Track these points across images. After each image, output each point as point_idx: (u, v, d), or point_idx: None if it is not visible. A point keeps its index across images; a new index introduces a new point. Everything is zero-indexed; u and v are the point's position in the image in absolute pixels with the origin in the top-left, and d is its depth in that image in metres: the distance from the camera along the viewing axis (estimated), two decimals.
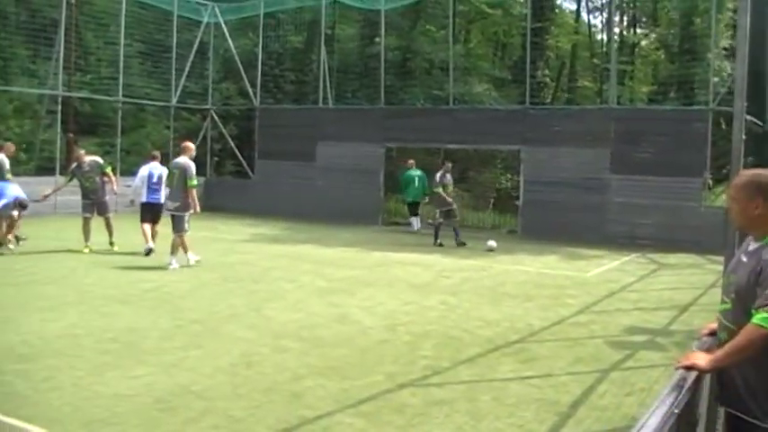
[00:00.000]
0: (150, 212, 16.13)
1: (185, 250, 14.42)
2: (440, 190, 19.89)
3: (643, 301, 12.59)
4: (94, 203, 16.32)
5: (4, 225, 15.50)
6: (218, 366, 7.65)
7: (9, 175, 15.95)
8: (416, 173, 23.19)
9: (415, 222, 23.36)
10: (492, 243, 18.85)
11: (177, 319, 9.76)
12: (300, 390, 6.99)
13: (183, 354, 8.07)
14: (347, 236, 20.77)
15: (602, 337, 9.70)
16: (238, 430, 5.96)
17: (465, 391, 7.16)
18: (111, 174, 16.67)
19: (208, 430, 5.92)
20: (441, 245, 19.32)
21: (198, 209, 14.61)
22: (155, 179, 16.17)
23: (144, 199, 16.24)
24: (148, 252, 15.65)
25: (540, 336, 9.68)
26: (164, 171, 15.90)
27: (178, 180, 14.35)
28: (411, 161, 23.57)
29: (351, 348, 8.59)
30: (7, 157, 16.18)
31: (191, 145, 15.15)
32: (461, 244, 19.46)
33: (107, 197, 16.51)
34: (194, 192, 14.40)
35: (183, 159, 14.56)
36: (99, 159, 16.55)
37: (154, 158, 16.72)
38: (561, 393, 7.20)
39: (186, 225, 14.35)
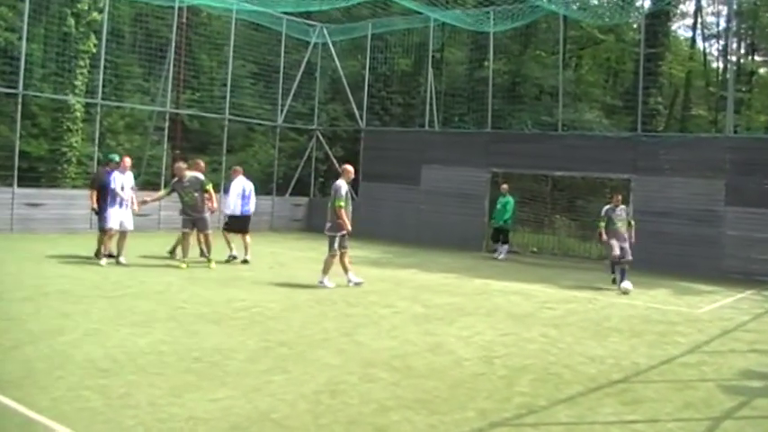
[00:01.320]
0: (238, 223, 17.72)
1: (345, 271, 14.89)
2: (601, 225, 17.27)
3: (759, 342, 11.77)
4: (193, 219, 16.37)
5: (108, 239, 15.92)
6: (302, 393, 7.30)
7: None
8: (504, 198, 22.85)
9: (502, 250, 22.92)
10: (627, 285, 16.61)
11: (265, 340, 9.48)
12: (385, 423, 6.58)
13: (267, 378, 7.76)
14: (448, 261, 20.38)
15: (715, 381, 8.99)
16: None
17: None
18: (211, 191, 16.65)
19: None
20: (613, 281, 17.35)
21: (348, 227, 14.75)
22: (247, 192, 17.87)
23: (236, 211, 17.74)
24: (231, 259, 17.01)
25: (646, 376, 9.04)
26: (249, 185, 18.07)
27: (331, 201, 14.72)
28: (504, 186, 23.23)
29: (443, 380, 8.14)
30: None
31: (350, 168, 15.41)
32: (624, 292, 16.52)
33: (206, 214, 16.50)
34: (342, 211, 14.52)
35: (340, 181, 14.86)
36: (200, 176, 16.56)
37: (237, 173, 18.26)
38: None
39: (336, 245, 14.63)
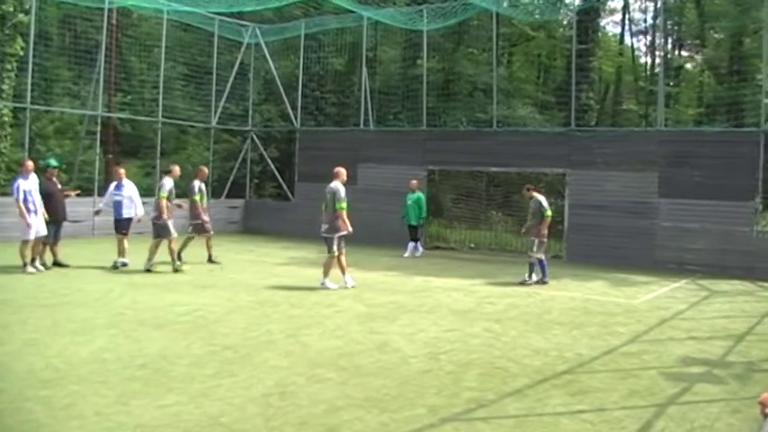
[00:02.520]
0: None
1: (342, 272, 15.02)
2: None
3: (696, 329, 12.01)
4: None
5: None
6: (251, 397, 7.24)
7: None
8: (415, 195, 22.49)
9: (418, 247, 22.52)
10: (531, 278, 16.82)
11: (210, 344, 9.39)
12: (337, 423, 6.56)
13: (214, 382, 7.68)
14: (388, 260, 20.38)
15: (657, 369, 9.16)
16: None
17: (513, 427, 6.69)
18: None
19: None
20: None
21: (350, 229, 14.98)
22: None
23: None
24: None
25: (590, 366, 9.17)
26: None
27: (329, 203, 14.92)
28: (413, 182, 22.77)
29: (391, 378, 8.14)
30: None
31: (342, 170, 15.44)
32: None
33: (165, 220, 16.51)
34: (344, 213, 14.82)
35: (335, 183, 15.06)
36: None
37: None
38: (616, 430, 6.72)
39: (335, 247, 14.77)
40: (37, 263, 15.74)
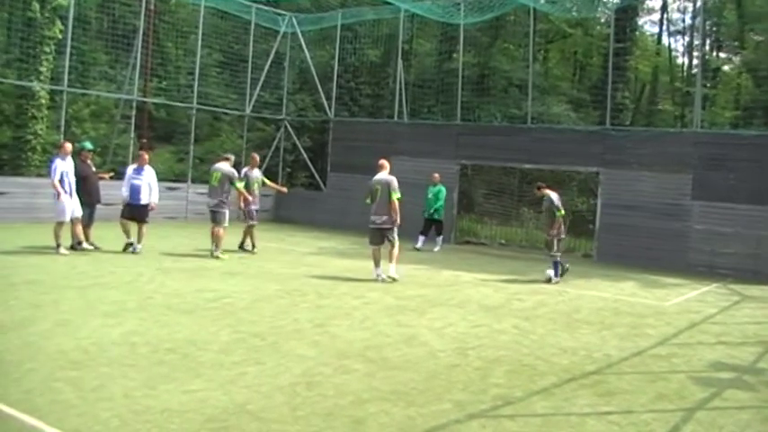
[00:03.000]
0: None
1: (392, 261, 15.15)
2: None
3: (726, 334, 11.88)
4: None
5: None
6: (278, 385, 7.24)
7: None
8: (436, 188, 22.19)
9: (438, 241, 22.21)
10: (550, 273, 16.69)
11: (238, 332, 9.41)
12: (363, 415, 6.54)
13: (242, 369, 7.69)
14: (418, 253, 20.36)
15: (686, 372, 9.06)
16: None
17: (539, 426, 6.63)
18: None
19: None
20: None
21: (398, 220, 15.12)
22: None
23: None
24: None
25: (618, 367, 9.09)
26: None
27: (382, 195, 14.97)
28: (435, 175, 22.41)
29: (418, 372, 8.11)
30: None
31: (385, 162, 15.72)
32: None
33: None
34: (397, 204, 14.95)
35: (387, 175, 15.24)
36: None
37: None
38: None
39: (395, 236, 15.17)
40: (84, 244, 15.92)
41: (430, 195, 22.06)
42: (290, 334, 9.54)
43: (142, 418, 6.07)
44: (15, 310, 9.65)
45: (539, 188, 17.18)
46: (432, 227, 22.19)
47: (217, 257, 16.36)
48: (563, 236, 16.97)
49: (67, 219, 15.48)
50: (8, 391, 6.50)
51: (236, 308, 11.05)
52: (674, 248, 20.66)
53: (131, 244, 16.33)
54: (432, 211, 22.06)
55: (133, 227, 16.43)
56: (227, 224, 16.96)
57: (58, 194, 15.34)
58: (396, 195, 14.82)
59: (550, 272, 16.61)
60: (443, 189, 22.35)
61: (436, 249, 21.70)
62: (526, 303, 13.44)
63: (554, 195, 16.79)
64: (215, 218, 16.84)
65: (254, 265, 15.96)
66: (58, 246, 15.43)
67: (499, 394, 7.52)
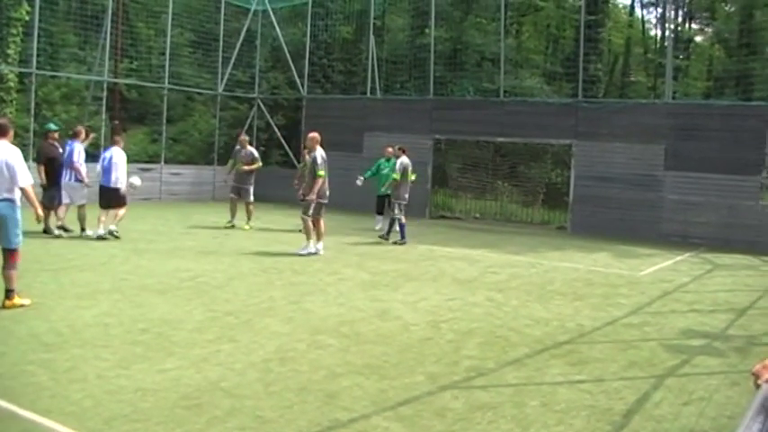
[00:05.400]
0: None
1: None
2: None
3: (698, 302, 12.03)
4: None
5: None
6: (251, 362, 7.27)
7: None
8: (390, 162, 20.04)
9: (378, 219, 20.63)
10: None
11: (212, 310, 9.42)
12: (336, 389, 6.59)
13: (215, 347, 7.71)
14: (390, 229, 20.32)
15: (657, 340, 9.18)
16: None
17: (511, 395, 6.70)
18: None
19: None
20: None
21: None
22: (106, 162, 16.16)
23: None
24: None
25: (591, 337, 9.19)
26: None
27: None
28: (389, 149, 20.48)
29: (391, 346, 8.17)
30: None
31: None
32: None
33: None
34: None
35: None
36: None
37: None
38: (614, 400, 6.71)
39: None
40: (55, 229, 15.83)
41: (385, 170, 20.29)
42: (265, 311, 9.57)
43: (116, 397, 6.07)
44: None
45: (401, 149, 18.59)
46: (384, 204, 20.39)
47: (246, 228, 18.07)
48: (405, 201, 17.99)
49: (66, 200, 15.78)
50: None
51: (211, 286, 11.05)
52: (648, 219, 20.84)
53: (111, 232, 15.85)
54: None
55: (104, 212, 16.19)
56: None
57: (82, 178, 15.59)
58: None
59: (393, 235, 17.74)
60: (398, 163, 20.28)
61: (377, 227, 20.08)
62: (500, 276, 13.52)
63: (405, 160, 18.21)
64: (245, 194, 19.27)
65: (228, 243, 15.94)
66: (83, 229, 15.66)
67: (472, 366, 7.59)
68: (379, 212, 20.60)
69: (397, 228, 17.56)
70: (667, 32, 29.13)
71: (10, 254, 8.97)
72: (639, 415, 6.36)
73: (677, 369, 7.92)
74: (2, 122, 9.04)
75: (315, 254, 14.84)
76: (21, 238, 9.06)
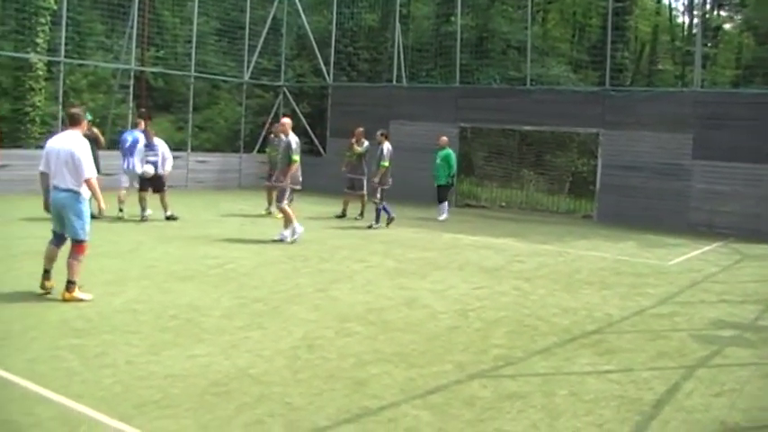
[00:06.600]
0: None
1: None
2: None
3: (728, 293, 11.94)
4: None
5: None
6: (279, 349, 7.29)
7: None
8: (444, 152, 20.66)
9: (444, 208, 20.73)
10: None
11: (240, 297, 9.45)
12: (364, 377, 6.59)
13: (244, 334, 7.74)
14: (418, 217, 20.34)
15: (687, 331, 9.12)
16: (295, 420, 5.54)
17: (540, 385, 6.68)
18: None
19: (262, 418, 5.53)
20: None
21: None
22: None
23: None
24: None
25: (619, 326, 9.15)
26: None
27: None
28: (444, 138, 21.06)
29: (419, 334, 8.16)
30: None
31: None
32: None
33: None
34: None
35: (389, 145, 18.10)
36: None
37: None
38: (643, 391, 6.67)
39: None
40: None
41: (438, 160, 20.67)
42: (292, 298, 9.59)
43: (145, 383, 6.11)
44: (17, 281, 9.68)
45: (383, 135, 18.49)
46: (446, 193, 20.84)
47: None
48: (387, 186, 18.12)
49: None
50: (12, 359, 6.53)
51: (239, 273, 11.10)
52: (675, 208, 20.69)
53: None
54: (449, 177, 20.75)
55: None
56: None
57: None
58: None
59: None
60: (452, 153, 21.03)
61: (441, 218, 20.32)
62: (526, 265, 13.48)
63: (388, 147, 18.18)
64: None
65: (255, 231, 15.99)
66: (144, 209, 16.61)
67: (500, 355, 7.57)
68: (441, 201, 20.83)
69: (384, 213, 17.92)
70: (696, 20, 28.81)
71: (76, 245, 9.02)
72: (670, 405, 6.32)
73: (708, 360, 7.86)
74: (75, 112, 9.09)
75: (295, 238, 14.71)
76: (88, 230, 9.08)
